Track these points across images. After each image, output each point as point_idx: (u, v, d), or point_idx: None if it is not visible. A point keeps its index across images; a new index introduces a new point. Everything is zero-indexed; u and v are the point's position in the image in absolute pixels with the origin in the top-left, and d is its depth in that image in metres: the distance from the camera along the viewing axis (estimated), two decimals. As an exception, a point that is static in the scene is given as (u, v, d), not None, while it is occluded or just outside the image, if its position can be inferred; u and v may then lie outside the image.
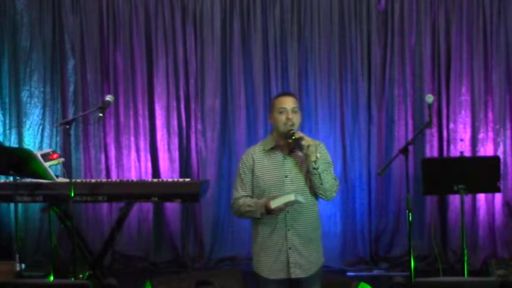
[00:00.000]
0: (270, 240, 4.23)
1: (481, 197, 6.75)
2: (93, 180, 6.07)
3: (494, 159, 5.74)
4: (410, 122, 6.85)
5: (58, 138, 7.13)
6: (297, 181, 4.20)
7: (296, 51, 6.93)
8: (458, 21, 6.78)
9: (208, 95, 7.01)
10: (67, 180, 5.59)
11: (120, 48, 7.07)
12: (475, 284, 4.06)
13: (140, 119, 7.08)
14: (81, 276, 5.93)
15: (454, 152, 6.75)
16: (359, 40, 6.89)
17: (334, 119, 6.93)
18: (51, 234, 5.88)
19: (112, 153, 7.11)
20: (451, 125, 6.82)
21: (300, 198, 4.10)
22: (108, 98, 5.43)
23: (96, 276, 6.02)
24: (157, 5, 7.03)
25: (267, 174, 4.23)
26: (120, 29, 7.06)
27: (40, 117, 7.15)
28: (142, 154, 7.08)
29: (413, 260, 5.11)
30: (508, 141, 6.78)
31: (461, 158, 5.80)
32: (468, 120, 6.80)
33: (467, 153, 6.70)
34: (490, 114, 6.79)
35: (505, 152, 6.76)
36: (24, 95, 7.14)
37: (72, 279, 5.33)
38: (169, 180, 6.17)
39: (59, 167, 6.36)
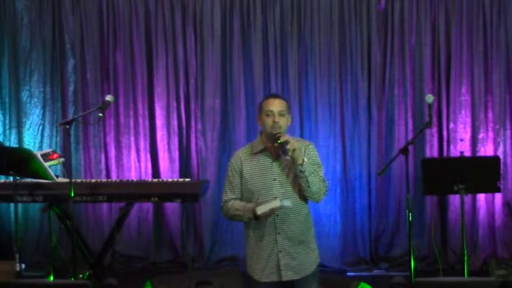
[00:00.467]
0: (260, 243, 4.23)
1: (481, 197, 6.75)
2: (93, 180, 6.07)
3: (494, 159, 5.74)
4: (410, 122, 6.85)
5: (58, 138, 7.13)
6: (285, 184, 4.18)
7: (296, 51, 6.93)
8: (458, 21, 6.78)
9: (208, 95, 7.01)
10: (67, 180, 5.59)
11: (120, 48, 7.07)
12: (475, 284, 4.06)
13: (140, 119, 7.08)
14: (81, 276, 5.93)
15: (454, 152, 6.75)
16: (359, 40, 6.88)
17: (334, 119, 6.92)
18: (51, 234, 5.87)
19: (112, 153, 7.11)
20: (451, 125, 6.82)
21: (287, 203, 4.07)
22: (108, 98, 5.43)
23: (96, 276, 6.02)
24: (157, 5, 7.03)
25: (255, 177, 4.21)
26: (120, 29, 7.06)
27: (40, 117, 7.15)
28: (142, 154, 7.08)
29: (413, 260, 5.11)
30: (508, 141, 6.78)
31: (461, 158, 5.80)
32: (468, 120, 6.80)
33: (467, 153, 6.70)
34: (490, 114, 6.79)
35: (505, 152, 6.76)
36: (24, 95, 7.14)
37: (72, 279, 5.33)
38: (169, 180, 6.17)
39: (59, 167, 6.36)
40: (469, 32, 6.78)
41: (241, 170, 4.26)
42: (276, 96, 4.30)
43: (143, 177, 7.03)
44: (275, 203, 4.05)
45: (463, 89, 6.80)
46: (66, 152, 6.78)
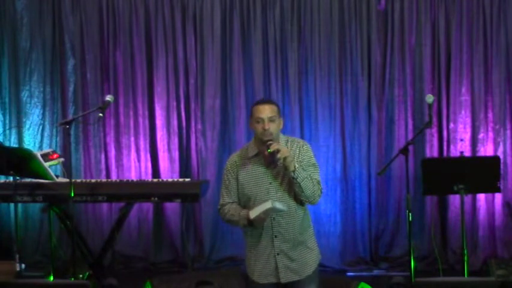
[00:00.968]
0: (258, 246, 4.23)
1: (481, 197, 6.75)
2: (93, 180, 6.07)
3: (494, 159, 5.75)
4: (410, 122, 6.85)
5: (58, 138, 7.13)
6: (281, 188, 4.17)
7: (296, 51, 6.93)
8: (458, 21, 6.78)
9: (208, 95, 7.01)
10: (67, 180, 5.59)
11: (120, 48, 7.07)
12: (475, 284, 4.06)
13: (140, 119, 7.08)
14: (81, 276, 5.93)
15: (454, 152, 6.75)
16: (359, 40, 6.88)
17: (334, 119, 6.92)
18: (51, 234, 5.87)
19: (112, 153, 7.11)
20: (451, 125, 6.82)
21: (279, 205, 4.06)
22: (108, 98, 5.43)
23: (96, 276, 6.02)
24: (157, 5, 7.02)
25: (251, 182, 4.21)
26: (120, 29, 7.06)
27: (40, 117, 7.15)
28: (142, 154, 7.08)
29: (413, 260, 5.12)
30: (508, 141, 6.78)
31: (461, 158, 5.80)
32: (468, 120, 6.80)
33: (467, 153, 6.69)
34: (490, 114, 6.78)
35: (505, 152, 6.76)
36: (24, 95, 7.14)
37: (72, 279, 5.33)
38: (169, 180, 6.17)
39: (59, 167, 6.36)
40: (469, 32, 6.77)
41: (237, 175, 4.25)
42: (265, 101, 4.26)
43: (143, 177, 7.03)
44: (267, 205, 4.03)
45: (463, 89, 6.80)
46: (66, 152, 6.77)
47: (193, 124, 7.07)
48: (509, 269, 6.19)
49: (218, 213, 4.39)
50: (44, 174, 5.63)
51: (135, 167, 7.09)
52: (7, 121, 7.19)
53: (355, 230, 6.92)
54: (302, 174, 4.09)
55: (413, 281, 5.01)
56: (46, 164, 5.69)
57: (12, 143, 7.14)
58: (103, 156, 7.11)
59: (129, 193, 5.85)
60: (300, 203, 4.22)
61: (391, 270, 6.77)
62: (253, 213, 4.07)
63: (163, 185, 5.93)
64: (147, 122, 7.08)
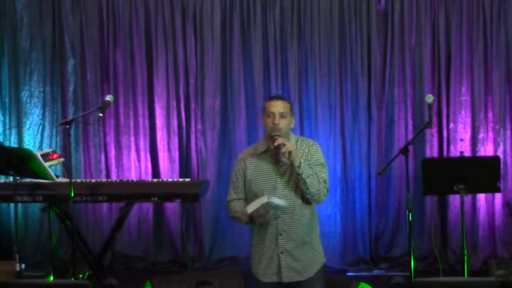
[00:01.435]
0: (262, 244, 4.24)
1: (481, 197, 6.75)
2: (93, 180, 6.07)
3: (494, 159, 5.74)
4: (410, 122, 6.85)
5: (58, 138, 7.13)
6: (288, 185, 4.18)
7: (296, 51, 6.93)
8: (458, 21, 6.78)
9: (208, 95, 7.01)
10: (67, 180, 5.59)
11: (120, 48, 7.07)
12: (475, 284, 4.06)
13: (140, 119, 7.08)
14: (81, 276, 5.93)
15: (454, 152, 6.75)
16: (359, 40, 6.88)
17: (334, 119, 6.92)
18: (51, 234, 5.87)
19: (112, 153, 7.11)
20: (451, 125, 6.82)
21: (277, 201, 4.06)
22: (108, 98, 5.43)
23: (96, 276, 6.02)
24: (157, 5, 7.03)
25: (259, 178, 4.22)
26: (120, 29, 7.06)
27: (40, 117, 7.15)
28: (142, 154, 7.08)
29: (413, 260, 5.11)
30: (508, 141, 6.78)
31: (461, 158, 5.80)
32: (468, 120, 6.80)
33: (467, 153, 6.70)
34: (490, 114, 6.79)
35: (505, 152, 6.76)
36: (24, 95, 7.14)
37: (72, 279, 5.32)
38: (169, 180, 6.17)
39: (59, 167, 6.36)
40: (469, 32, 6.78)
41: (244, 172, 4.27)
42: (278, 97, 4.30)
43: (143, 177, 7.03)
44: (263, 199, 4.03)
45: (463, 89, 6.80)
46: (66, 152, 6.77)
47: (193, 124, 7.07)
48: (509, 269, 6.19)
49: (226, 210, 4.41)
50: (44, 174, 5.63)
51: (135, 167, 7.09)
52: (7, 121, 7.19)
53: (355, 230, 6.92)
54: (307, 170, 4.10)
55: (413, 281, 5.01)
56: (46, 164, 5.69)
57: (12, 143, 7.14)
58: (103, 156, 7.11)
59: (129, 193, 5.85)
60: (307, 202, 4.22)
61: (391, 270, 6.77)
62: (250, 208, 4.07)
63: (163, 185, 5.92)
64: (147, 122, 7.08)
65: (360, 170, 6.91)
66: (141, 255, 7.08)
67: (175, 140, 7.06)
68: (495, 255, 6.70)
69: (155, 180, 6.60)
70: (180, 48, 7.03)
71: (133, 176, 7.04)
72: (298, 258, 4.21)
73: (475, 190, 5.88)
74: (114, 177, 7.03)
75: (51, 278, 5.76)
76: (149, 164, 7.08)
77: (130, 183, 6.02)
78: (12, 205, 6.36)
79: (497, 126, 6.77)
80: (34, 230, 7.11)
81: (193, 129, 7.07)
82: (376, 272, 6.80)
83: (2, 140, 6.75)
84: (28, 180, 5.83)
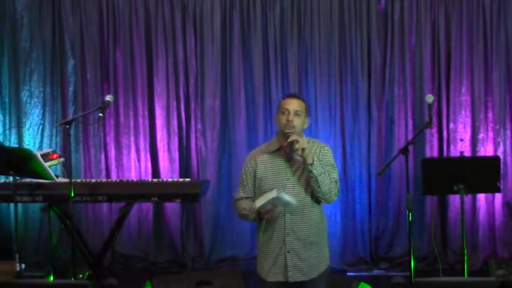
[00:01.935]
0: (269, 243, 4.24)
1: (481, 197, 6.75)
2: (93, 180, 6.07)
3: (494, 159, 5.74)
4: (410, 122, 6.85)
5: (58, 138, 7.13)
6: (298, 185, 4.18)
7: (296, 51, 6.93)
8: (458, 21, 6.78)
9: (208, 95, 7.01)
10: (67, 180, 5.59)
11: (120, 48, 7.07)
12: (475, 284, 4.06)
13: (140, 119, 7.08)
14: (81, 276, 5.93)
15: (454, 152, 6.75)
16: (359, 40, 6.88)
17: (334, 119, 6.92)
18: (51, 234, 5.87)
19: (112, 153, 7.11)
20: (451, 125, 6.82)
21: (287, 197, 4.05)
22: (108, 98, 5.43)
23: (96, 276, 6.02)
24: (157, 5, 7.03)
25: (269, 176, 4.22)
26: (120, 29, 7.06)
27: (40, 117, 7.15)
28: (142, 154, 7.08)
29: (413, 260, 5.11)
30: (508, 141, 6.78)
31: (461, 158, 5.80)
32: (468, 120, 6.80)
33: (467, 153, 6.70)
34: (490, 114, 6.79)
35: (505, 152, 6.76)
36: (24, 95, 7.14)
37: (72, 279, 5.32)
38: (169, 180, 6.17)
39: (59, 167, 6.36)
40: (469, 32, 6.78)
41: (255, 170, 4.26)
42: (294, 96, 4.31)
43: (143, 177, 7.03)
44: (272, 194, 4.01)
45: (463, 89, 6.80)
46: (66, 152, 6.77)
47: (193, 124, 7.07)
48: (509, 269, 6.18)
49: (233, 206, 4.42)
50: (44, 174, 5.63)
51: (135, 167, 7.09)
52: (7, 121, 7.19)
53: (355, 230, 6.92)
54: (319, 169, 4.11)
55: (413, 281, 5.00)
56: (46, 164, 5.69)
57: (12, 143, 7.14)
58: (103, 156, 7.11)
59: (129, 193, 5.84)
60: (317, 202, 4.23)
61: (391, 270, 6.77)
62: (258, 202, 4.05)
63: (163, 185, 5.92)
64: (147, 122, 7.08)
65: (360, 170, 6.91)
66: (141, 255, 7.08)
67: (175, 140, 7.06)
68: (495, 255, 6.70)
69: (155, 180, 6.60)
70: (180, 48, 7.03)
71: (133, 176, 7.04)
72: (305, 258, 4.21)
73: (475, 190, 5.87)
74: (114, 177, 7.03)
75: (51, 278, 5.76)
76: (149, 164, 7.08)
77: (130, 183, 6.02)
78: (12, 205, 6.36)
79: (497, 126, 6.77)
80: (34, 230, 7.11)
81: (193, 129, 7.07)
82: (376, 272, 6.80)
83: (2, 140, 6.76)
84: (28, 180, 5.83)
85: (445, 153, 6.82)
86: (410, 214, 5.04)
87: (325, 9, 6.89)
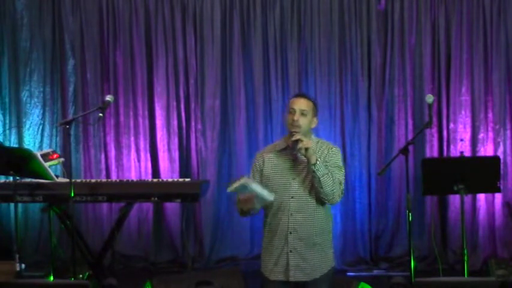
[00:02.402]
0: (273, 242, 4.25)
1: (481, 197, 6.75)
2: (93, 180, 6.07)
3: (494, 159, 5.74)
4: (410, 122, 6.85)
5: (58, 138, 7.13)
6: (303, 184, 4.19)
7: (296, 51, 6.93)
8: (458, 21, 6.78)
9: (208, 95, 7.01)
10: (67, 180, 5.59)
11: (120, 48, 7.07)
12: (475, 284, 4.06)
13: (140, 119, 7.08)
14: (81, 276, 5.93)
15: (454, 152, 6.75)
16: (359, 40, 6.89)
17: (334, 119, 6.92)
18: (51, 234, 5.87)
19: (112, 153, 7.11)
20: (451, 125, 6.82)
21: (258, 188, 4.04)
22: (108, 98, 5.43)
23: (96, 276, 6.02)
24: (157, 5, 7.03)
25: (275, 175, 4.24)
26: (120, 29, 7.06)
27: (40, 117, 7.15)
28: (142, 154, 7.08)
29: (413, 260, 5.11)
30: (508, 141, 6.78)
31: (461, 158, 5.80)
32: (468, 120, 6.80)
33: (467, 153, 6.70)
34: (490, 114, 6.79)
35: (505, 152, 6.76)
36: (24, 95, 7.14)
37: (72, 279, 5.32)
38: (169, 180, 6.17)
39: (59, 167, 6.36)
40: (469, 32, 6.78)
41: (262, 168, 4.29)
42: (302, 95, 4.32)
43: (143, 177, 7.03)
44: (241, 179, 4.03)
45: (463, 89, 6.80)
46: (66, 152, 6.76)
47: (193, 124, 7.07)
48: (509, 269, 6.19)
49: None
50: (44, 174, 5.63)
51: (135, 167, 7.09)
52: (7, 121, 7.19)
53: (355, 230, 6.92)
54: (323, 169, 4.11)
55: (413, 281, 5.00)
56: (46, 164, 5.69)
57: (12, 143, 7.14)
58: (103, 156, 7.11)
59: (129, 193, 5.84)
60: (321, 203, 4.22)
61: (391, 270, 6.77)
62: (229, 188, 4.07)
63: (163, 185, 5.92)
64: (147, 122, 7.08)
65: (360, 170, 6.91)
66: (141, 255, 7.08)
67: (175, 140, 7.06)
68: (495, 255, 6.70)
69: (155, 180, 6.60)
70: (180, 48, 7.03)
71: (133, 176, 7.04)
72: (307, 258, 4.21)
73: (475, 190, 5.88)
74: (114, 177, 7.03)
75: (51, 278, 5.76)
76: (149, 164, 7.08)
77: (130, 183, 6.02)
78: (12, 205, 6.36)
79: (497, 126, 6.77)
80: (34, 230, 7.11)
81: (193, 129, 7.07)
82: (376, 272, 6.80)
83: (2, 140, 6.76)
84: (28, 180, 5.83)
85: (445, 153, 6.82)
86: (410, 214, 5.03)
87: (325, 9, 6.90)
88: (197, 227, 7.11)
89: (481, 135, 6.78)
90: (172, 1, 7.03)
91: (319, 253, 4.24)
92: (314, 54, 6.92)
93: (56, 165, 6.19)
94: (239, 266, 6.66)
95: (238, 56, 6.98)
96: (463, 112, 6.81)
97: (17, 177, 5.61)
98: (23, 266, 5.57)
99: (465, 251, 5.27)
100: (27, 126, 7.14)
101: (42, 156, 5.74)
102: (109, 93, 6.56)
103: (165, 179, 6.47)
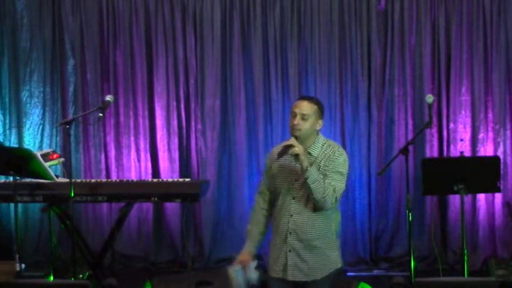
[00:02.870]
0: (274, 239, 4.30)
1: (481, 197, 6.75)
2: (93, 180, 6.07)
3: (494, 159, 5.74)
4: (410, 122, 6.85)
5: (58, 138, 7.13)
6: (303, 187, 4.17)
7: (296, 51, 6.93)
8: (458, 21, 6.78)
9: (208, 95, 7.01)
10: (67, 180, 5.59)
11: (120, 48, 7.07)
12: (475, 284, 4.06)
13: (140, 119, 7.07)
14: (81, 276, 5.93)
15: (454, 152, 6.75)
16: (359, 40, 6.88)
17: (334, 119, 6.92)
18: (51, 234, 5.88)
19: (112, 153, 7.10)
20: (451, 125, 6.82)
21: (240, 279, 4.22)
22: (108, 98, 5.43)
23: (96, 276, 6.02)
24: (157, 5, 7.02)
25: (281, 174, 4.26)
26: (120, 29, 7.05)
27: (40, 117, 7.14)
28: (142, 154, 7.08)
29: (413, 260, 5.11)
30: (508, 141, 6.78)
31: (461, 158, 5.80)
32: (468, 120, 6.80)
33: (467, 153, 6.70)
34: (490, 114, 6.79)
35: (505, 152, 6.76)
36: (24, 95, 7.14)
37: (72, 279, 5.33)
38: (169, 180, 6.17)
39: (59, 167, 6.36)
40: (469, 32, 6.78)
41: (270, 167, 4.32)
42: (305, 98, 4.28)
43: (143, 177, 7.02)
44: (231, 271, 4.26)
45: (463, 89, 6.80)
46: (66, 152, 6.76)
47: (193, 124, 7.06)
48: (509, 269, 6.19)
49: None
50: (44, 174, 5.63)
51: (135, 167, 7.08)
52: (7, 121, 7.18)
53: (355, 230, 6.92)
54: (314, 176, 4.07)
55: (413, 281, 5.00)
56: (46, 164, 5.69)
57: (12, 143, 7.14)
58: (103, 156, 7.10)
59: (129, 193, 5.85)
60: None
61: (391, 270, 6.77)
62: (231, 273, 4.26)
63: (163, 185, 5.92)
64: (147, 122, 7.08)
65: (360, 170, 6.90)
66: (141, 255, 7.08)
67: (175, 140, 7.06)
68: (495, 255, 6.69)
69: (155, 180, 6.60)
70: (180, 48, 7.03)
71: (133, 176, 7.04)
72: (306, 259, 4.21)
73: (475, 190, 5.88)
74: (114, 177, 7.03)
75: (51, 278, 5.76)
76: (149, 164, 7.08)
77: (130, 183, 6.02)
78: (12, 205, 6.36)
79: (497, 126, 6.77)
80: (34, 230, 7.10)
81: (193, 129, 7.07)
82: (376, 272, 6.80)
83: (2, 140, 6.76)
84: (28, 180, 5.83)
85: (445, 153, 6.82)
86: (410, 214, 5.04)
87: (325, 9, 6.89)
88: (197, 227, 7.11)
89: (481, 135, 6.78)
90: (172, 1, 7.02)
91: (319, 255, 4.23)
92: (314, 54, 6.92)
93: (56, 165, 6.20)
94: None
95: (238, 56, 6.98)
96: (463, 112, 6.80)
97: (17, 177, 5.61)
98: (23, 266, 5.58)
99: (465, 251, 5.27)
100: (27, 126, 7.13)
101: (42, 156, 5.74)
102: (109, 93, 6.56)
103: (165, 179, 6.47)
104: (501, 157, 6.56)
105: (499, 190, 5.66)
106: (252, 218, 4.41)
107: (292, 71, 6.93)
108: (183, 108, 7.07)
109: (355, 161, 6.90)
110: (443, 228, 6.86)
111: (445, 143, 6.83)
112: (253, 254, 4.35)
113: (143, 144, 7.08)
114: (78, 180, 6.05)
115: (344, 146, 6.90)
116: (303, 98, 4.30)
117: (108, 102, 5.38)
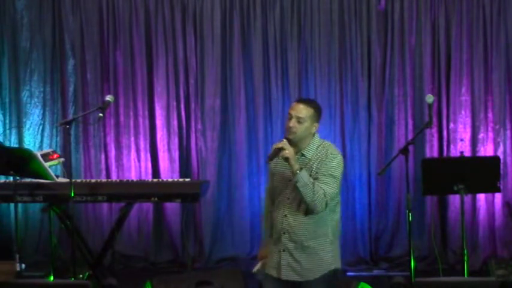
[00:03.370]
0: (273, 239, 4.32)
1: (481, 197, 6.75)
2: (93, 180, 6.07)
3: (494, 159, 5.74)
4: (410, 122, 6.85)
5: (58, 138, 7.13)
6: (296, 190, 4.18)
7: (296, 51, 6.93)
8: (458, 21, 6.78)
9: (208, 95, 7.01)
10: (67, 180, 5.59)
11: (120, 48, 7.06)
12: (475, 284, 4.06)
13: (140, 119, 7.07)
14: (81, 276, 5.93)
15: (454, 152, 6.75)
16: (359, 40, 6.88)
17: (334, 119, 6.92)
18: (51, 234, 5.87)
19: (112, 153, 7.10)
20: (451, 125, 6.82)
21: None
22: (108, 98, 5.43)
23: (96, 276, 6.02)
24: (157, 5, 7.02)
25: (278, 174, 4.29)
26: (120, 29, 7.05)
27: (40, 117, 7.15)
28: (142, 154, 7.08)
29: (413, 260, 5.11)
30: (508, 141, 6.78)
31: (461, 158, 5.80)
32: (468, 120, 6.80)
33: (467, 153, 6.70)
34: (490, 114, 6.79)
35: (505, 152, 6.76)
36: (24, 95, 7.14)
37: (72, 279, 5.33)
38: (169, 180, 6.17)
39: (59, 167, 6.36)
40: (469, 32, 6.78)
41: (271, 167, 4.35)
42: (302, 101, 4.28)
43: (143, 177, 7.03)
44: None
45: (463, 89, 6.80)
46: (66, 152, 6.77)
47: (193, 124, 7.07)
48: (509, 269, 6.18)
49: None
50: (44, 174, 5.63)
51: (135, 167, 7.09)
52: (7, 121, 7.18)
53: (355, 230, 6.92)
54: (304, 180, 4.07)
55: (413, 281, 5.00)
56: (46, 164, 5.69)
57: (12, 143, 7.14)
58: (103, 156, 7.10)
59: (129, 193, 5.85)
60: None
61: (391, 270, 6.78)
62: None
63: (163, 185, 5.92)
64: (147, 122, 7.08)
65: (360, 170, 6.91)
66: (141, 255, 7.08)
67: (175, 140, 7.06)
68: (495, 255, 6.70)
69: (155, 180, 6.60)
70: (180, 48, 7.03)
71: (133, 176, 7.04)
72: (299, 260, 4.22)
73: (475, 190, 5.88)
74: (114, 177, 7.03)
75: (51, 278, 5.76)
76: (149, 164, 7.08)
77: (130, 183, 6.02)
78: (12, 205, 6.36)
79: (497, 126, 6.77)
80: (34, 230, 7.11)
81: (193, 129, 7.07)
82: (376, 272, 6.80)
83: (2, 140, 6.76)
84: (28, 180, 5.83)
85: (445, 153, 6.82)
86: (410, 214, 5.03)
87: (325, 9, 6.89)
88: (197, 227, 7.11)
89: (481, 135, 6.78)
90: (172, 1, 7.02)
91: (312, 256, 4.23)
92: (314, 54, 6.92)
93: (56, 165, 6.19)
94: (239, 266, 6.66)
95: (238, 56, 6.98)
96: (463, 112, 6.81)
97: (17, 177, 5.61)
98: (23, 266, 5.57)
99: (465, 251, 5.27)
100: (27, 126, 7.14)
101: (42, 156, 5.74)
102: (109, 93, 6.56)
103: (165, 179, 6.47)
104: (501, 157, 6.56)
105: (499, 190, 5.66)
106: (265, 215, 4.49)
107: (292, 71, 6.93)
108: (183, 108, 7.07)
109: (355, 161, 6.91)
110: (443, 228, 6.86)
111: (445, 143, 6.84)
112: None
113: (143, 144, 7.08)
114: (78, 180, 6.05)
115: (344, 146, 6.91)
116: (300, 100, 4.29)
117: (108, 102, 5.38)
